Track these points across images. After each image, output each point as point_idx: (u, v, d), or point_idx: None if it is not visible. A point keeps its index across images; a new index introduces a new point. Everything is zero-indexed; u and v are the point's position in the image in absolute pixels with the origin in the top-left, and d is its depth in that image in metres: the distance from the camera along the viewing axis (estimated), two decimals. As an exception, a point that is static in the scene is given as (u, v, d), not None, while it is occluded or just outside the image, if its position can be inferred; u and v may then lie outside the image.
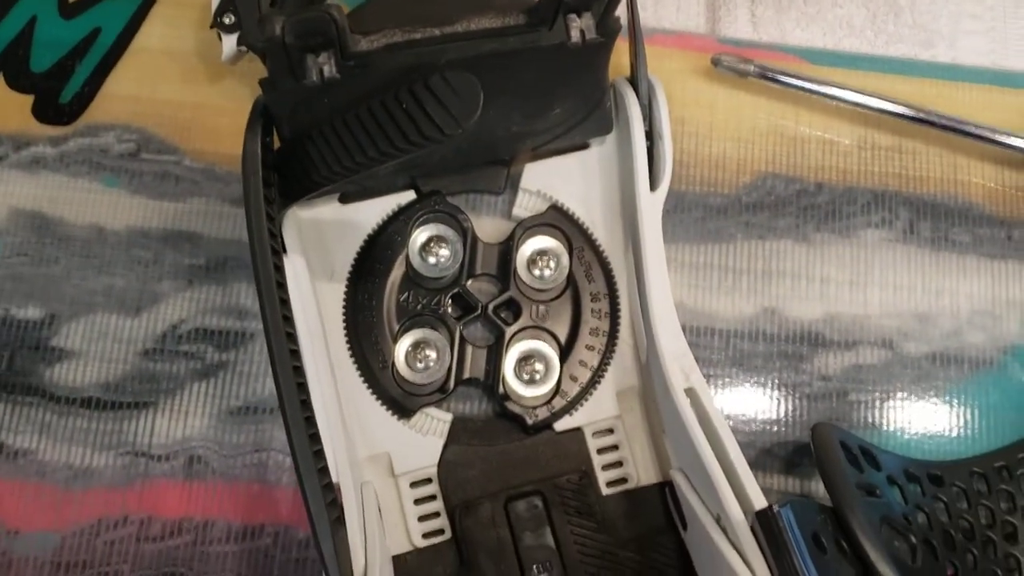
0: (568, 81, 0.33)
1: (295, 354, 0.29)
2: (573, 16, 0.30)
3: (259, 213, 0.28)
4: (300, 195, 0.31)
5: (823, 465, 0.33)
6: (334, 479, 0.30)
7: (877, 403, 0.39)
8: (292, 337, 0.30)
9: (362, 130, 0.27)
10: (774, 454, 0.38)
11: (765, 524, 0.29)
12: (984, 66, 0.43)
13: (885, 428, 0.39)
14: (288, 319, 0.30)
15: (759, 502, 0.30)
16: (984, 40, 0.44)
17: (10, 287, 0.38)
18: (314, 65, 0.27)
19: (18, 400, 0.37)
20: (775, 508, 0.29)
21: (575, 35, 0.30)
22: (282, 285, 0.30)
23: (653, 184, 0.37)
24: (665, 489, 0.36)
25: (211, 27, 0.38)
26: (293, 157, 0.30)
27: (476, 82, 0.26)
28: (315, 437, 0.29)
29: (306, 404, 0.29)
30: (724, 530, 0.31)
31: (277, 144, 0.33)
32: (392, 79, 0.27)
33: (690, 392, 0.33)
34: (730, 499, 0.30)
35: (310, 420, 0.29)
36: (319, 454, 0.29)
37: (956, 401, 0.39)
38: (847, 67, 0.43)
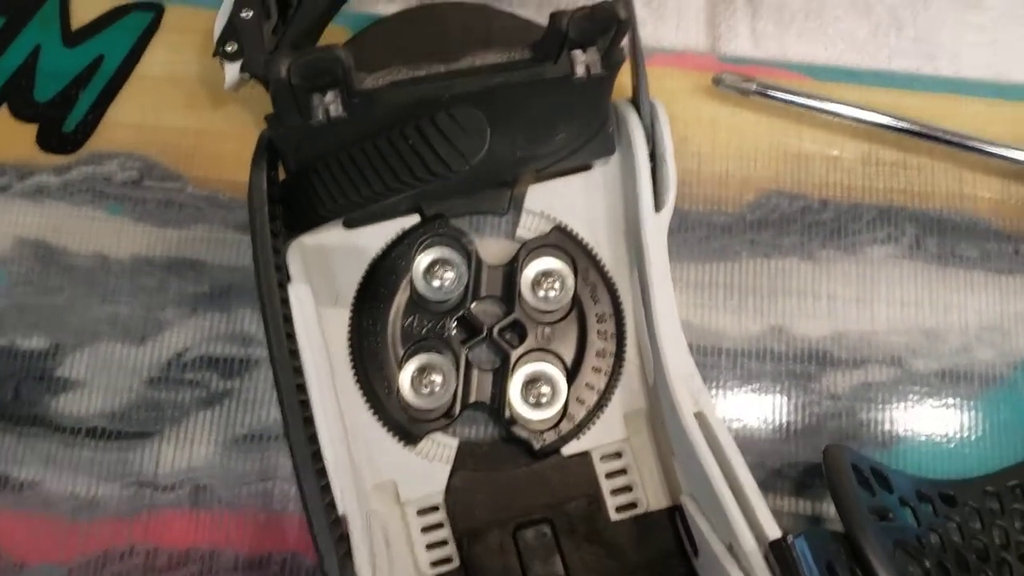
0: (571, 109, 0.33)
1: (301, 388, 0.29)
2: (578, 52, 0.30)
3: (265, 248, 0.28)
4: (306, 227, 0.31)
5: (835, 491, 0.32)
6: (340, 511, 0.30)
7: (887, 422, 0.38)
8: (298, 371, 0.30)
9: (368, 166, 0.27)
10: (784, 475, 0.38)
11: (779, 555, 0.28)
12: (987, 79, 0.43)
13: (895, 447, 0.38)
14: (294, 352, 0.30)
15: (772, 531, 0.30)
16: (987, 53, 0.43)
17: (14, 317, 0.38)
18: (320, 104, 0.27)
19: (23, 431, 0.37)
20: (790, 539, 0.28)
21: (580, 71, 0.30)
22: (288, 318, 0.30)
23: (658, 205, 0.36)
24: (675, 514, 0.36)
25: (214, 55, 0.38)
26: (299, 190, 0.30)
27: (482, 118, 0.26)
28: (322, 472, 0.29)
29: (313, 439, 0.29)
30: (736, 559, 0.31)
31: (282, 174, 0.33)
32: (398, 115, 0.27)
33: (699, 416, 0.33)
34: (742, 528, 0.30)
35: (316, 455, 0.29)
36: (326, 488, 0.29)
37: (967, 418, 0.38)
38: (849, 82, 0.43)
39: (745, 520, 0.30)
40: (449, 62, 0.29)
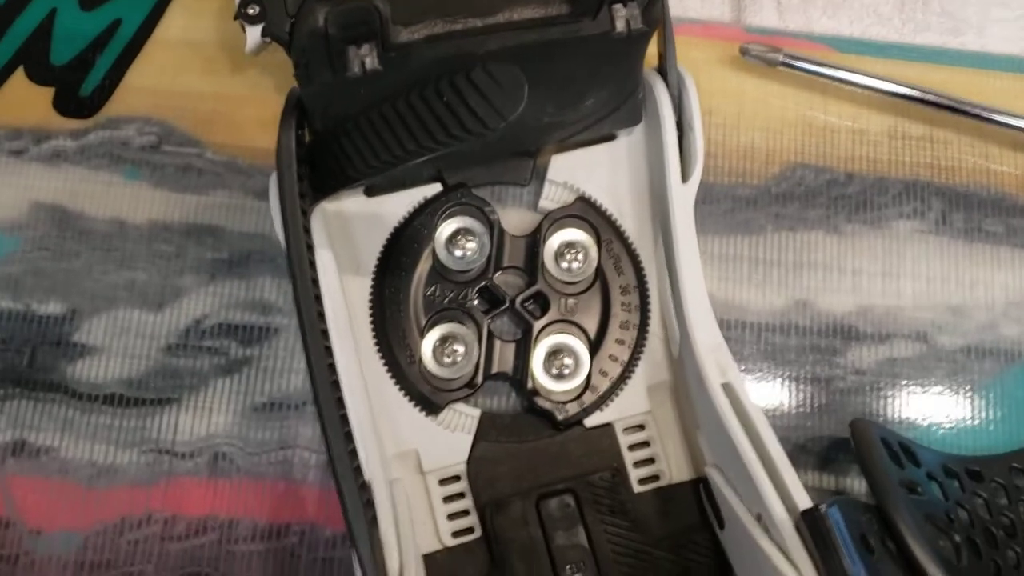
0: (605, 71, 0.33)
1: (328, 354, 0.29)
2: (618, 6, 0.29)
3: (294, 209, 0.28)
4: (333, 189, 0.31)
5: (865, 463, 0.32)
6: (366, 478, 0.30)
7: (912, 397, 0.38)
8: (325, 335, 0.29)
9: (400, 123, 0.27)
10: (808, 450, 0.37)
11: (812, 524, 0.28)
12: (1013, 54, 0.43)
13: (920, 422, 0.38)
14: (322, 317, 0.29)
15: (803, 501, 0.29)
16: (1013, 28, 0.43)
17: (31, 282, 0.38)
18: (356, 57, 0.27)
19: (40, 397, 0.37)
20: (822, 508, 0.28)
21: (620, 25, 0.29)
22: (315, 282, 0.29)
23: (684, 175, 0.36)
24: (699, 486, 0.35)
25: (235, 18, 0.37)
26: (326, 150, 0.30)
27: (520, 74, 0.25)
28: (349, 436, 0.29)
29: (339, 403, 0.29)
30: (766, 529, 0.30)
31: (307, 137, 0.32)
32: (432, 70, 0.27)
33: (727, 387, 0.33)
34: (773, 498, 0.30)
35: (344, 419, 0.29)
36: (353, 453, 0.29)
37: (992, 394, 0.38)
38: (875, 55, 0.42)
39: (775, 490, 0.30)
40: (484, 16, 0.29)
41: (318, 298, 0.29)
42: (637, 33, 0.30)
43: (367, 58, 0.27)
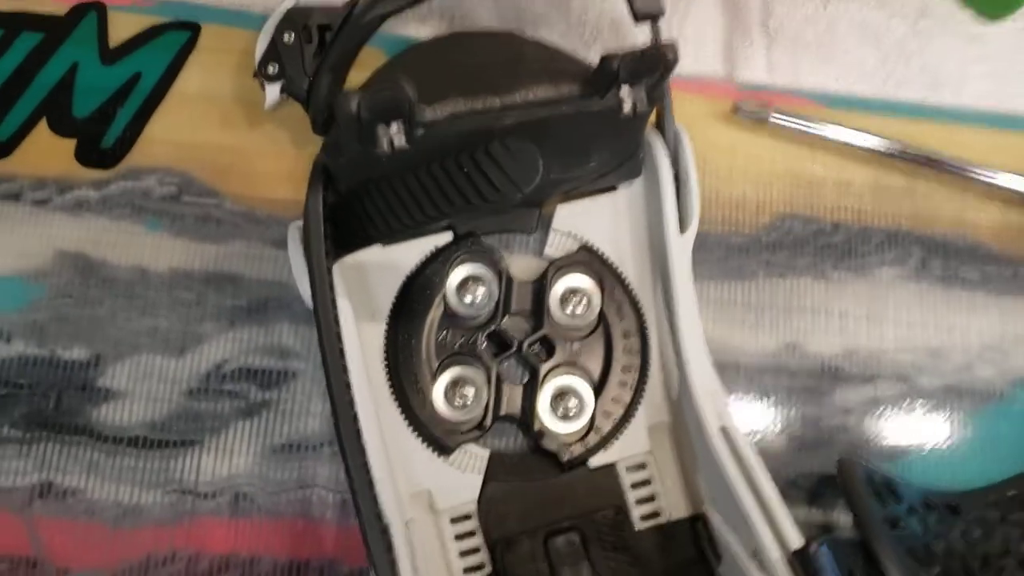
0: (609, 138, 0.35)
1: (351, 403, 0.31)
2: (625, 88, 0.31)
3: (322, 271, 0.30)
4: (355, 247, 0.33)
5: (852, 501, 0.34)
6: (386, 521, 0.32)
7: (895, 434, 0.40)
8: (348, 386, 0.31)
9: (423, 191, 0.29)
10: (799, 485, 0.40)
11: (804, 562, 0.30)
12: (989, 109, 0.45)
13: (902, 458, 0.40)
14: (344, 367, 0.31)
15: (795, 540, 0.31)
16: (988, 84, 0.46)
17: (56, 328, 0.39)
18: (385, 135, 0.29)
19: (66, 440, 0.38)
20: (814, 547, 0.30)
21: (627, 107, 0.32)
22: (339, 337, 0.31)
23: (682, 227, 0.38)
24: (698, 523, 0.37)
25: (254, 76, 0.39)
26: (350, 212, 0.32)
27: (535, 150, 0.27)
28: (371, 483, 0.31)
29: (363, 450, 0.31)
30: (760, 565, 0.32)
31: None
32: (452, 144, 0.29)
33: (724, 431, 0.35)
34: (767, 537, 0.32)
35: (366, 466, 0.30)
36: (376, 499, 0.30)
37: (969, 432, 0.41)
38: (859, 109, 0.45)
39: (769, 529, 0.32)
40: (502, 95, 0.31)
41: (342, 352, 0.31)
42: (642, 114, 0.32)
43: (396, 136, 0.29)
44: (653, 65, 0.30)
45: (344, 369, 0.31)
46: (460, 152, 0.28)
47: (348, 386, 0.31)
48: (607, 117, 0.33)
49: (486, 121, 0.30)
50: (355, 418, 0.30)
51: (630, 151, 0.37)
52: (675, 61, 0.31)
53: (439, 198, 0.29)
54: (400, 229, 0.31)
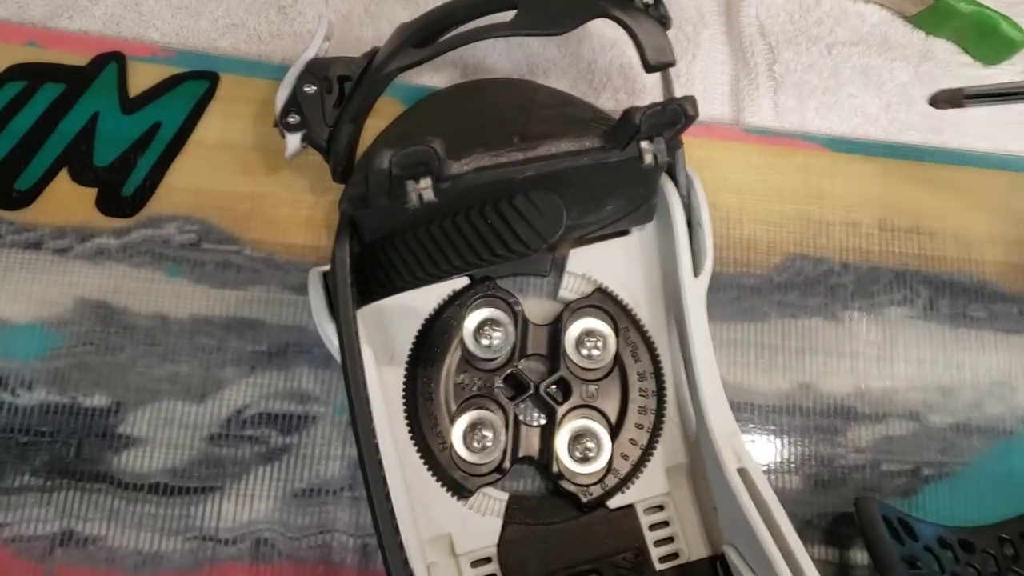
0: (626, 186, 0.36)
1: (378, 448, 0.31)
2: (645, 142, 0.32)
3: (349, 317, 0.30)
4: (380, 296, 0.33)
5: (870, 542, 0.35)
6: (412, 566, 0.32)
7: (908, 473, 0.41)
8: (374, 433, 0.31)
9: (447, 243, 0.29)
10: (814, 524, 0.40)
11: (827, 602, 0.31)
12: (989, 151, 0.46)
13: (916, 496, 0.41)
14: (370, 415, 0.32)
15: (816, 579, 0.32)
16: (987, 126, 0.47)
17: (77, 376, 0.39)
18: (414, 190, 0.29)
19: (87, 488, 0.38)
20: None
21: (648, 159, 0.32)
22: (365, 385, 0.32)
23: (696, 270, 0.39)
24: (716, 563, 0.37)
25: (274, 126, 0.40)
26: (375, 262, 0.32)
27: (559, 203, 0.28)
28: (398, 529, 0.31)
29: (388, 495, 0.31)
30: (784, 606, 0.33)
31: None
32: (476, 196, 0.29)
33: (742, 472, 0.35)
34: (788, 576, 0.32)
35: (392, 513, 0.31)
36: (402, 546, 0.31)
37: (980, 469, 0.41)
38: (864, 153, 0.46)
39: (790, 570, 0.32)
40: (525, 149, 0.31)
41: (368, 400, 0.31)
42: (662, 164, 0.33)
43: (424, 191, 0.29)
44: (675, 119, 0.31)
45: (370, 417, 0.31)
46: (484, 204, 0.29)
47: (374, 433, 0.31)
48: (625, 167, 0.33)
49: (508, 174, 0.31)
50: (381, 463, 0.31)
51: (645, 197, 0.38)
52: (695, 115, 0.32)
53: (464, 249, 0.30)
54: (425, 279, 0.31)
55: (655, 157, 0.32)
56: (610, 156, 0.32)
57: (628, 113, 0.31)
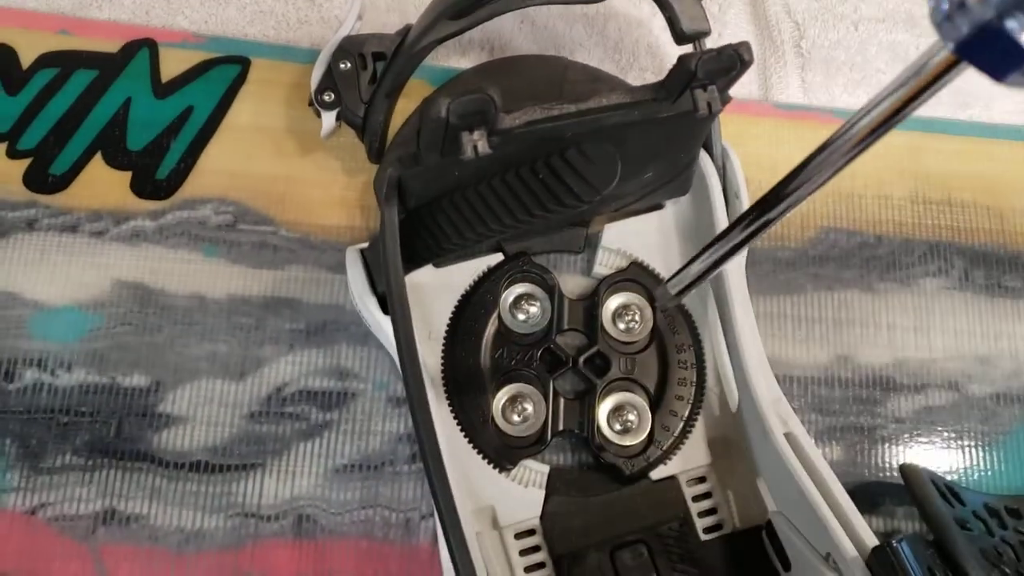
0: (669, 147, 0.36)
1: (430, 416, 0.31)
2: (699, 90, 0.32)
3: (399, 277, 0.30)
4: (427, 261, 0.33)
5: (921, 503, 0.34)
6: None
7: (949, 442, 0.41)
8: (425, 394, 0.31)
9: (497, 200, 0.29)
10: (856, 494, 0.39)
11: (885, 560, 0.30)
12: (1018, 124, 0.46)
13: (957, 465, 0.40)
14: (421, 376, 0.31)
15: (871, 539, 0.32)
16: (1017, 100, 0.47)
17: (116, 356, 0.39)
18: (469, 141, 0.29)
19: (128, 466, 0.38)
20: (894, 543, 0.30)
21: (703, 107, 0.32)
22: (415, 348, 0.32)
23: (734, 241, 0.39)
24: (762, 532, 0.37)
25: (309, 104, 0.40)
26: (421, 226, 0.32)
27: (613, 151, 0.28)
28: (450, 494, 0.31)
29: (440, 458, 0.31)
30: (834, 567, 0.32)
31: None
32: (524, 151, 0.29)
33: (789, 436, 0.35)
34: (843, 538, 0.32)
35: (444, 475, 0.31)
36: (455, 510, 0.31)
37: (1022, 437, 0.41)
38: (894, 127, 0.46)
39: (844, 531, 0.32)
40: (577, 102, 0.31)
41: (418, 361, 0.31)
42: (716, 113, 0.33)
43: (479, 143, 0.29)
44: (730, 65, 0.31)
45: (422, 381, 0.31)
46: (534, 160, 0.29)
47: (425, 394, 0.31)
48: (675, 123, 0.33)
49: (560, 129, 0.31)
50: (434, 433, 0.30)
51: (685, 163, 0.38)
52: (751, 61, 0.31)
53: (516, 206, 0.30)
54: (474, 239, 0.31)
55: (709, 106, 0.32)
56: (662, 109, 0.32)
57: (683, 59, 0.31)
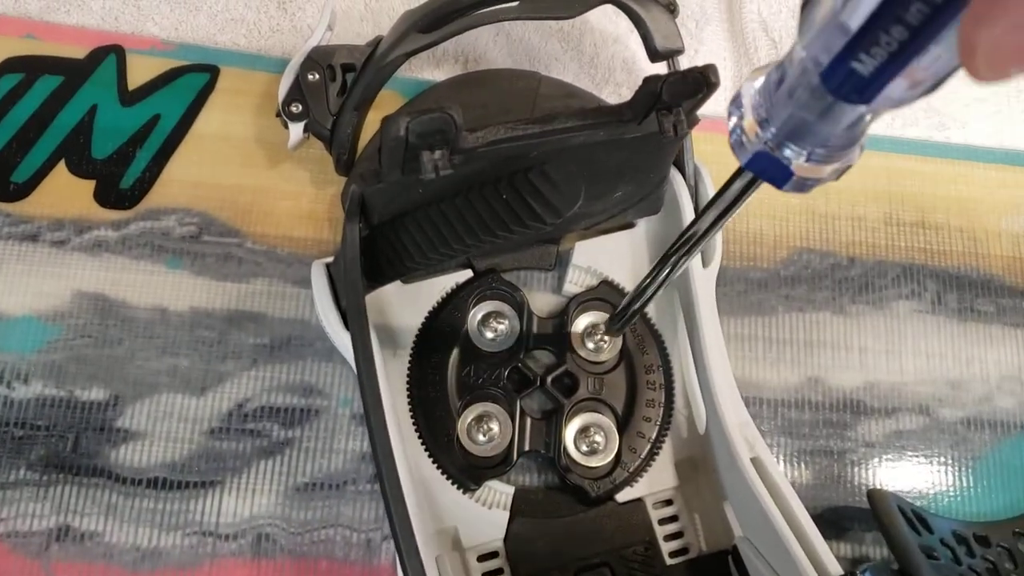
0: (638, 167, 0.35)
1: (388, 436, 0.30)
2: (665, 112, 0.32)
3: (359, 298, 0.29)
4: (389, 279, 0.33)
5: (887, 530, 0.34)
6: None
7: (919, 467, 0.40)
8: (384, 416, 0.31)
9: (460, 220, 0.29)
10: (825, 519, 0.39)
11: (848, 590, 0.30)
12: (994, 146, 0.46)
13: (927, 491, 0.40)
14: (380, 400, 0.31)
15: (835, 569, 0.31)
16: (993, 122, 0.47)
17: (74, 369, 0.39)
18: (430, 161, 0.29)
19: (83, 482, 0.37)
20: (858, 573, 0.30)
21: (669, 129, 0.32)
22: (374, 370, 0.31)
23: (705, 261, 0.38)
24: (728, 557, 0.37)
25: (277, 115, 0.39)
26: (385, 244, 0.32)
27: (577, 172, 0.27)
28: (407, 516, 0.30)
29: (399, 484, 0.30)
30: (799, 596, 0.32)
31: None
32: (489, 171, 0.29)
33: (755, 461, 0.35)
34: (807, 566, 0.31)
35: (402, 499, 0.30)
36: (412, 534, 0.30)
37: (992, 463, 0.41)
38: (868, 148, 0.45)
39: (808, 559, 0.32)
40: (542, 122, 0.31)
41: (378, 382, 0.31)
42: (683, 136, 0.33)
43: (440, 162, 0.29)
44: (696, 87, 0.31)
45: (380, 400, 0.31)
46: (497, 180, 0.29)
47: (384, 417, 0.31)
48: (641, 144, 0.33)
49: (524, 148, 0.30)
50: (391, 451, 0.30)
51: (655, 182, 0.37)
52: (717, 83, 0.31)
53: (478, 226, 0.29)
54: (436, 259, 0.31)
55: (675, 128, 0.32)
56: (627, 130, 0.32)
57: (648, 81, 0.31)
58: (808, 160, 0.20)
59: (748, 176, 0.24)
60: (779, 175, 0.21)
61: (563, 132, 0.30)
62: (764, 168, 0.21)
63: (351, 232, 0.31)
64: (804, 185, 0.21)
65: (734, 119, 0.21)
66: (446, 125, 0.28)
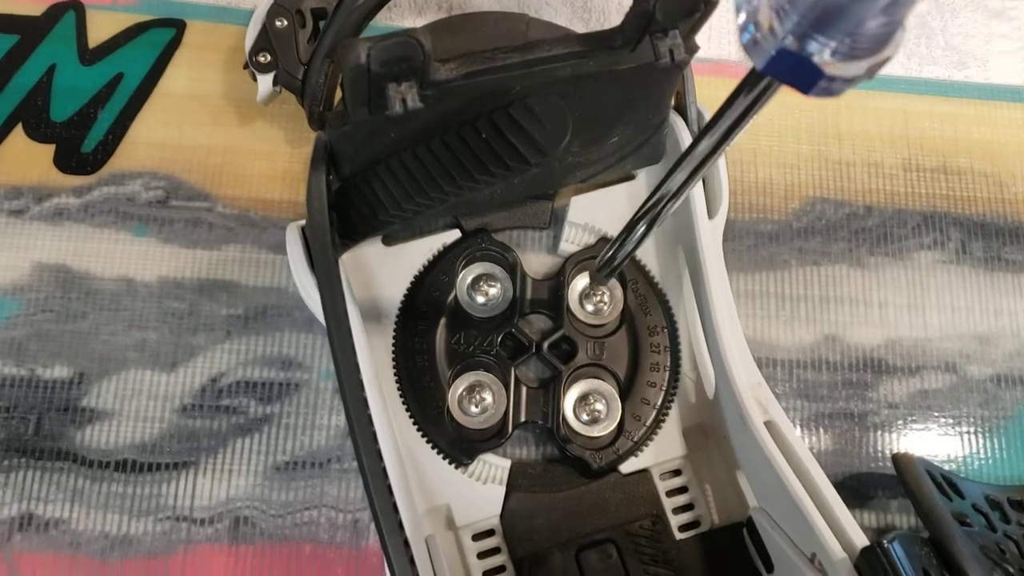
0: (634, 106, 0.32)
1: (367, 406, 0.28)
2: (660, 36, 0.29)
3: (327, 257, 0.27)
4: (363, 236, 0.30)
5: (916, 497, 0.31)
6: (407, 537, 0.28)
7: (946, 429, 0.37)
8: (362, 387, 0.28)
9: (437, 164, 0.26)
10: (846, 487, 0.37)
11: (874, 562, 0.27)
12: (1018, 84, 0.43)
13: (956, 454, 0.37)
14: (358, 368, 0.28)
15: (860, 539, 0.28)
16: (1016, 59, 0.44)
17: (35, 346, 0.36)
18: (396, 95, 0.26)
19: (47, 467, 0.35)
20: (885, 543, 0.27)
21: (664, 54, 0.29)
22: (350, 333, 0.28)
23: (711, 211, 0.36)
24: (742, 530, 0.34)
25: (245, 67, 0.36)
26: (357, 196, 0.29)
27: (563, 106, 0.25)
28: (391, 492, 0.27)
29: (380, 458, 0.27)
30: (820, 569, 0.29)
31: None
32: (467, 108, 0.26)
33: (770, 425, 0.32)
34: (829, 537, 0.29)
35: (385, 476, 0.27)
36: (396, 511, 0.27)
37: (1025, 423, 0.38)
38: (885, 90, 0.42)
39: (830, 529, 0.29)
40: (523, 51, 0.28)
41: (354, 349, 0.28)
42: (680, 63, 0.30)
43: (408, 96, 0.26)
44: (694, 4, 0.27)
45: (358, 369, 0.28)
46: (477, 118, 0.25)
47: (363, 390, 0.28)
48: (636, 76, 0.30)
49: (505, 82, 0.27)
50: (373, 431, 0.27)
51: (654, 124, 0.34)
52: (716, 1, 0.28)
53: (457, 170, 0.26)
54: (413, 210, 0.28)
55: (671, 54, 0.29)
56: (620, 60, 0.28)
57: (640, 0, 0.27)
58: (836, 55, 0.16)
59: (762, 84, 0.21)
60: (805, 77, 0.17)
61: (548, 62, 0.27)
62: (786, 70, 0.17)
63: (316, 182, 0.28)
64: (833, 87, 0.17)
65: (744, 14, 0.17)
66: (412, 51, 0.25)
